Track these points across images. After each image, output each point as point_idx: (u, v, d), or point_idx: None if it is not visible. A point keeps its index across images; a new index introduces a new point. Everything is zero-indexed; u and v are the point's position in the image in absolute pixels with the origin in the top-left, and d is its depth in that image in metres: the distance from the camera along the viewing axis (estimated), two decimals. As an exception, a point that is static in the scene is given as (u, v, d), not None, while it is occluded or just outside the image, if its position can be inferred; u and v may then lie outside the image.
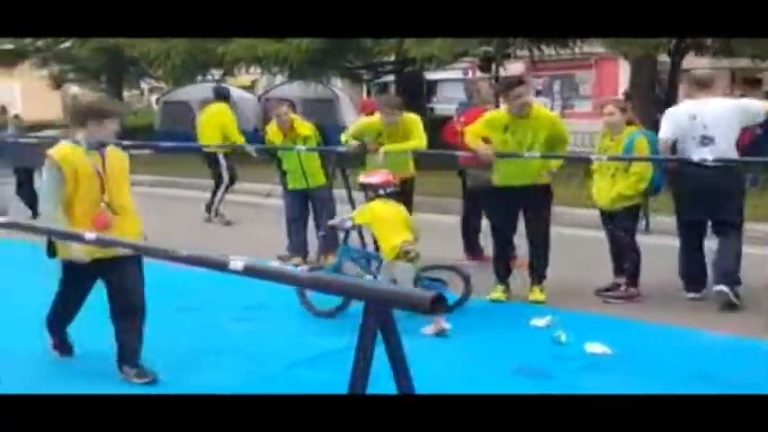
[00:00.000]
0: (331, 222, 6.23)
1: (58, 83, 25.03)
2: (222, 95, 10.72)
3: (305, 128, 7.39)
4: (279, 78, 19.87)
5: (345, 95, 19.18)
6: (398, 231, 5.38)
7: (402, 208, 5.65)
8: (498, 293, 6.11)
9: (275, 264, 6.07)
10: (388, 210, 5.49)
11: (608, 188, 6.01)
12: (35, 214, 9.63)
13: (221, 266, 2.56)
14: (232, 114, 10.40)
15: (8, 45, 21.14)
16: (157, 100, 22.40)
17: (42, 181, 4.46)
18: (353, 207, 6.87)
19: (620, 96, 13.17)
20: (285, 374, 4.60)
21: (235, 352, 5.03)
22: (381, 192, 5.56)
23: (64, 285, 4.62)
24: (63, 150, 4.39)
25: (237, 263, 2.49)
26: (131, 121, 23.83)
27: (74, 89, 36.46)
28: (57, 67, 22.68)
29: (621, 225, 6.04)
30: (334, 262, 6.02)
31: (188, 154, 15.35)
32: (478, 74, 17.67)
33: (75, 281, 4.57)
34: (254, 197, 12.10)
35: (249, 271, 2.49)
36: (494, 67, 14.11)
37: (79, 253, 4.25)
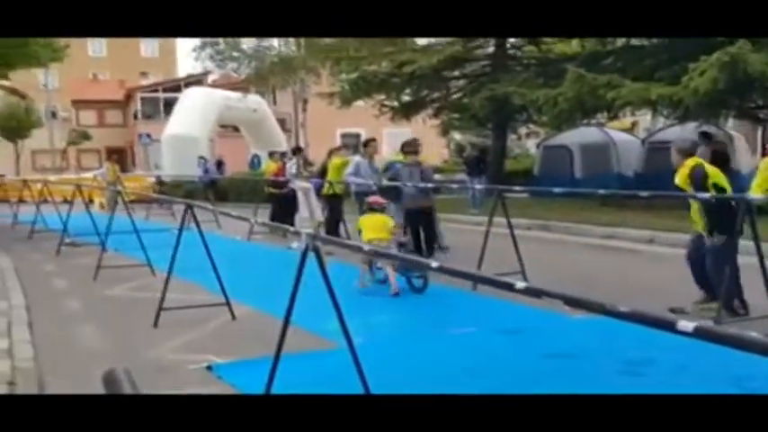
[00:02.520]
0: None
1: (445, 130, 27.03)
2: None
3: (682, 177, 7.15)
4: (663, 120, 19.07)
5: (741, 136, 17.65)
6: (373, 232, 8.26)
7: (384, 217, 8.55)
8: None
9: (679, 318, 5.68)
10: (370, 219, 8.49)
11: None
12: (430, 254, 10.20)
13: (668, 326, 2.43)
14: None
15: (408, 97, 23.38)
16: (538, 145, 22.90)
17: None
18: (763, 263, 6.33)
19: None
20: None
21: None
22: (373, 208, 8.59)
23: None
24: None
25: (687, 324, 2.34)
26: (511, 166, 24.75)
27: (456, 136, 39.10)
28: (447, 116, 24.48)
29: None
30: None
31: (564, 198, 15.35)
32: None
33: None
34: (634, 243, 11.74)
35: (700, 333, 2.33)
36: None
37: None
